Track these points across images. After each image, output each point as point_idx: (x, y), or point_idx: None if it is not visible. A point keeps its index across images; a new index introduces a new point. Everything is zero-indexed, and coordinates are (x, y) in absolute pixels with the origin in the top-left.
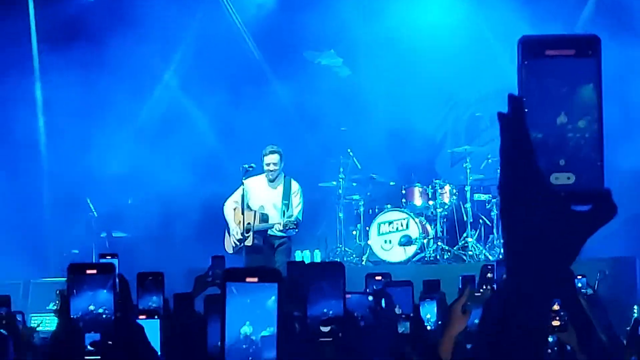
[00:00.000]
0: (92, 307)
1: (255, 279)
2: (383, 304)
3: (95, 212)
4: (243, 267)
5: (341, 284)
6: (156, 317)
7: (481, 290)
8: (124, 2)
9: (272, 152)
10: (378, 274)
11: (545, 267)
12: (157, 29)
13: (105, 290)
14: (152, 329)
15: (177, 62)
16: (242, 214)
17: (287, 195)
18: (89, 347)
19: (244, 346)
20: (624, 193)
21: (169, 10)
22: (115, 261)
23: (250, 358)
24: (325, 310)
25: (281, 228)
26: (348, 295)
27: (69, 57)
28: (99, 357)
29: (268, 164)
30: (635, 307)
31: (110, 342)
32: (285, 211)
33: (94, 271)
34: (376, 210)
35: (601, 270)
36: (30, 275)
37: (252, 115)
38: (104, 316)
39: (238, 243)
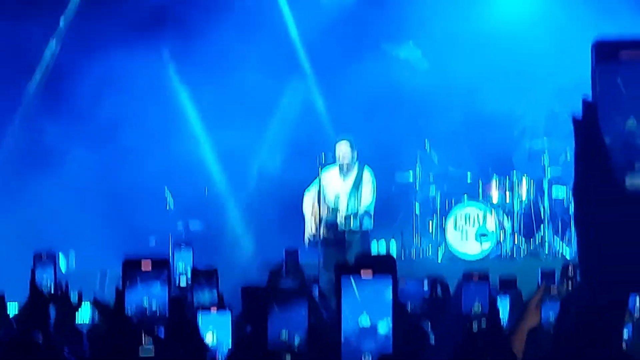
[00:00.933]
0: (146, 303)
1: (370, 272)
2: (439, 292)
3: (172, 202)
4: (356, 261)
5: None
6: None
7: (558, 286)
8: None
9: (342, 141)
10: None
11: (619, 267)
12: (235, 19)
13: (159, 286)
14: (222, 322)
15: (257, 52)
16: (318, 205)
17: (356, 185)
18: (143, 342)
19: (361, 337)
20: None
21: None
22: (189, 252)
23: (367, 348)
24: None
25: (343, 222)
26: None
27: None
28: (153, 352)
29: (339, 153)
30: None
31: (163, 338)
32: (353, 203)
33: (149, 267)
34: (453, 203)
35: None
36: (107, 264)
37: (329, 106)
38: (158, 312)
39: (311, 236)
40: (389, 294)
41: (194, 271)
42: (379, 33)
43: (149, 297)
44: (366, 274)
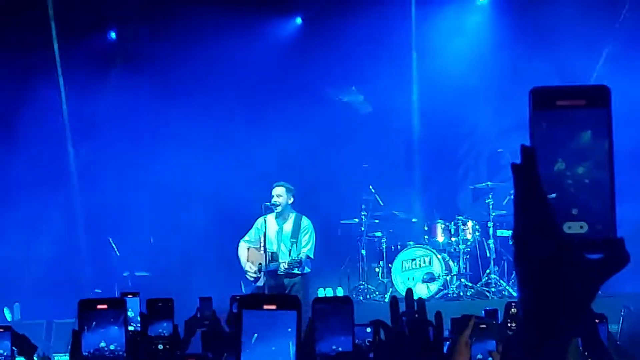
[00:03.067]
0: (103, 344)
1: (274, 307)
2: (382, 336)
3: (117, 252)
4: (260, 294)
5: (349, 319)
6: None
7: (486, 323)
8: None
9: (277, 185)
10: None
11: (560, 314)
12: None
13: (116, 327)
14: None
15: (193, 106)
16: (264, 251)
17: (295, 232)
18: None
19: None
20: None
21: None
22: (136, 300)
23: None
24: (334, 346)
25: (286, 267)
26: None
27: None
28: None
29: (274, 197)
30: None
31: None
32: (293, 249)
33: (105, 307)
34: (399, 247)
35: (625, 306)
36: (53, 315)
37: (271, 152)
38: (116, 352)
39: (252, 283)
40: (292, 330)
41: (149, 302)
42: (322, 78)
43: (105, 338)
44: (269, 308)
